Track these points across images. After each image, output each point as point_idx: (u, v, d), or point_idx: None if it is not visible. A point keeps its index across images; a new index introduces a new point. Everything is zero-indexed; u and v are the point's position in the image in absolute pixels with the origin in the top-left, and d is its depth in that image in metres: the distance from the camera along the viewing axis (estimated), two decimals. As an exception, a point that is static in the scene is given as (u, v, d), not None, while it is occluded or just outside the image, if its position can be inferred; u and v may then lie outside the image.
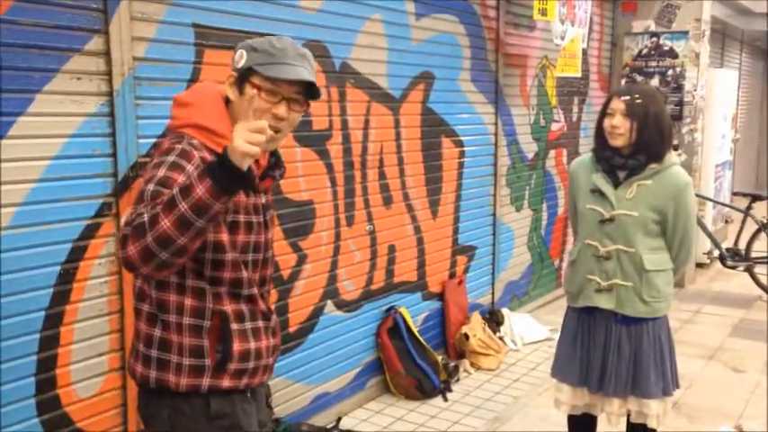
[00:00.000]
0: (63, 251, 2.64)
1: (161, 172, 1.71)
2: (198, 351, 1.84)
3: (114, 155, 2.76)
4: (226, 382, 1.86)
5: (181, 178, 1.69)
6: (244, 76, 1.82)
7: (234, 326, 1.87)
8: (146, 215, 1.60)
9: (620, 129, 2.80)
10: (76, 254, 2.69)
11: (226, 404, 1.87)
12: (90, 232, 2.72)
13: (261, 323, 1.95)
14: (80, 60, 2.63)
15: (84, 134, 2.67)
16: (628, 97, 2.81)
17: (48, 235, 2.59)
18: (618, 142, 2.83)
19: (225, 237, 1.82)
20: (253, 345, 1.91)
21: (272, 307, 2.06)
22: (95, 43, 2.67)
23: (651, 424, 2.92)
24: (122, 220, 1.70)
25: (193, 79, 3.05)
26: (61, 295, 2.65)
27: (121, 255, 1.63)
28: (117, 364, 2.85)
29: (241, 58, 1.82)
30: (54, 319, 2.64)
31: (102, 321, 2.79)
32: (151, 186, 1.69)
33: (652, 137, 2.79)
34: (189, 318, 1.83)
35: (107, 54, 2.70)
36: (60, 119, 2.59)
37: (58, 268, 2.63)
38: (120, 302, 2.83)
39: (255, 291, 1.93)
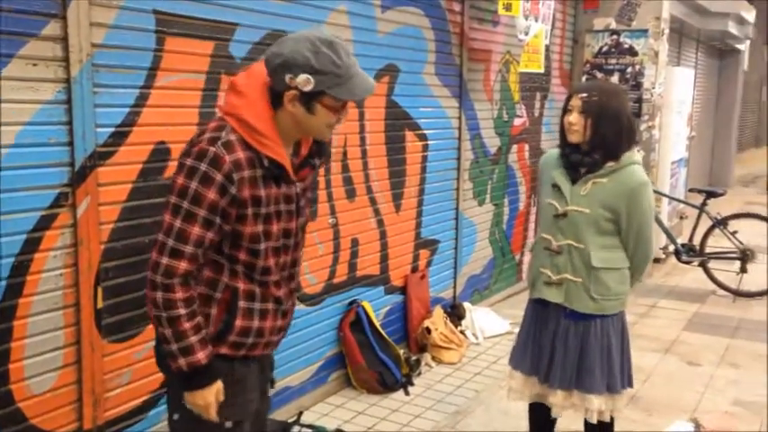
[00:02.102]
0: (17, 243, 2.56)
1: (193, 185, 1.92)
2: (204, 318, 2.05)
3: (71, 143, 2.68)
4: (224, 350, 2.07)
5: (211, 194, 1.91)
6: (312, 97, 1.95)
7: (241, 303, 2.06)
8: (177, 309, 1.95)
9: (576, 125, 2.82)
10: (31, 245, 2.60)
11: (224, 365, 2.08)
12: (45, 223, 2.64)
13: (271, 305, 2.12)
14: (36, 46, 2.54)
15: (40, 122, 2.58)
16: (585, 94, 2.83)
17: (1, 226, 2.50)
18: (574, 138, 2.85)
19: (248, 229, 2.00)
20: (256, 323, 2.09)
21: (294, 287, 2.22)
22: (52, 28, 2.59)
23: (590, 419, 2.94)
24: (161, 231, 1.95)
25: (154, 67, 2.98)
26: (14, 288, 2.57)
27: (149, 276, 1.96)
28: (72, 358, 2.78)
29: (308, 82, 1.92)
30: (7, 313, 2.55)
31: (56, 315, 2.71)
32: (185, 205, 1.92)
33: (607, 135, 2.80)
34: (203, 287, 2.04)
35: (64, 40, 2.62)
36: (15, 106, 2.50)
37: (11, 260, 2.55)
38: (76, 296, 2.75)
39: (270, 277, 2.09)
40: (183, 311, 1.96)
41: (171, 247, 1.94)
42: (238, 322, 2.07)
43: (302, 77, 1.91)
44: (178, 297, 1.95)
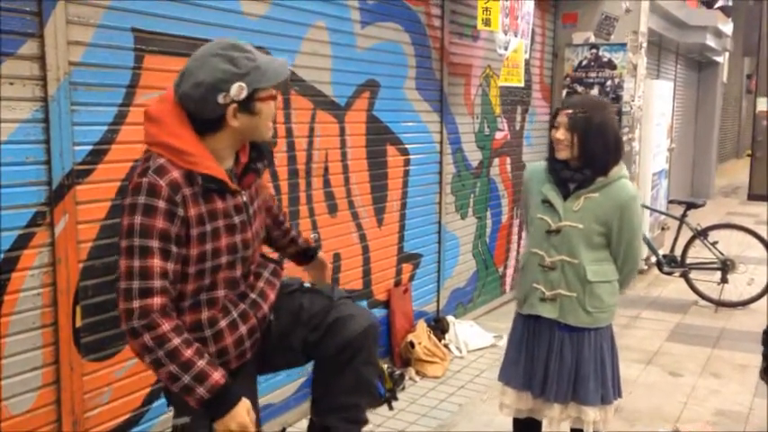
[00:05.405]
0: (-6, 262, 2.55)
1: (137, 219, 1.89)
2: None
3: (49, 162, 2.67)
4: None
5: (159, 223, 1.88)
6: (249, 99, 1.98)
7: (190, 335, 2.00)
8: (170, 343, 1.89)
9: (564, 142, 2.83)
10: (8, 265, 2.58)
11: None
12: (23, 242, 2.62)
13: (223, 323, 2.07)
14: (13, 65, 2.54)
15: (17, 141, 2.57)
16: (571, 111, 2.84)
17: (-23, 245, 2.49)
18: (562, 155, 2.86)
19: (194, 251, 1.97)
20: (213, 348, 2.06)
21: (257, 278, 2.22)
22: (29, 47, 2.58)
23: (587, 430, 2.96)
24: (121, 279, 1.92)
25: (132, 85, 2.98)
26: (-8, 308, 2.55)
27: (126, 327, 1.91)
28: (51, 378, 2.75)
29: (241, 90, 1.95)
30: (-16, 333, 2.53)
31: (35, 335, 2.69)
32: (137, 241, 1.87)
33: (595, 150, 2.81)
34: None
35: (41, 58, 2.61)
36: (-9, 125, 2.49)
37: (-12, 280, 2.53)
38: (54, 315, 2.73)
39: (217, 293, 2.07)
40: (177, 341, 1.89)
41: (138, 288, 1.88)
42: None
43: (234, 89, 1.94)
44: (166, 329, 1.88)
